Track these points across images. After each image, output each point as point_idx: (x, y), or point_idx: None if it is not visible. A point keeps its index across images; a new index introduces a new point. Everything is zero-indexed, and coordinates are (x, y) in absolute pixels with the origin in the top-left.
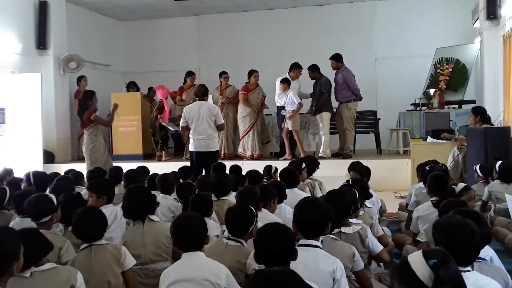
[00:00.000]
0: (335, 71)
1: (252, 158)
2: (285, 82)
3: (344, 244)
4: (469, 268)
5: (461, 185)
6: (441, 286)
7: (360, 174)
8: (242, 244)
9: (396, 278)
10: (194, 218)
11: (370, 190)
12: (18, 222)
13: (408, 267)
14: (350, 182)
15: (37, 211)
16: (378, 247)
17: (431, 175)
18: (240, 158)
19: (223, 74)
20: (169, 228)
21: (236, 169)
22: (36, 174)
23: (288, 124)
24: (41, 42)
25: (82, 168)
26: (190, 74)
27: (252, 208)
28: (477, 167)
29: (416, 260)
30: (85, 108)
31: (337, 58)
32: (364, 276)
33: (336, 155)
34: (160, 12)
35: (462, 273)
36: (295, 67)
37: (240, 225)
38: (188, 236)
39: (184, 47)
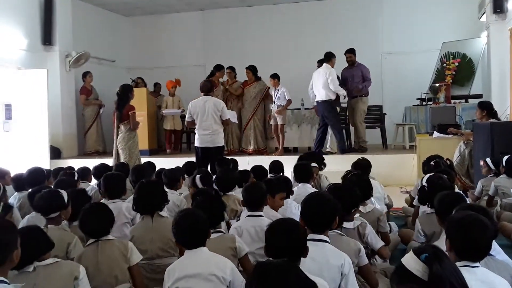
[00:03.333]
0: (347, 65)
1: (250, 152)
2: (276, 78)
3: (349, 239)
4: (477, 264)
5: None
6: (438, 279)
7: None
8: (222, 232)
9: (396, 282)
10: (194, 216)
11: (378, 184)
12: (33, 216)
13: (404, 269)
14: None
15: (45, 206)
16: (378, 244)
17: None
18: (245, 153)
19: (227, 69)
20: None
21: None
22: (29, 173)
23: (278, 120)
24: (47, 38)
25: (88, 163)
26: (220, 68)
27: (213, 194)
28: (488, 160)
29: (409, 259)
30: (125, 101)
31: (355, 52)
32: (369, 271)
33: (353, 150)
34: (165, 7)
35: (471, 269)
36: (334, 56)
37: (212, 216)
38: (189, 236)
39: (189, 42)
